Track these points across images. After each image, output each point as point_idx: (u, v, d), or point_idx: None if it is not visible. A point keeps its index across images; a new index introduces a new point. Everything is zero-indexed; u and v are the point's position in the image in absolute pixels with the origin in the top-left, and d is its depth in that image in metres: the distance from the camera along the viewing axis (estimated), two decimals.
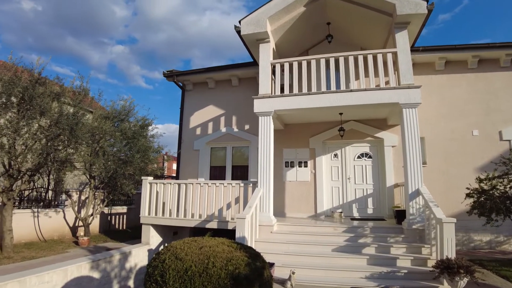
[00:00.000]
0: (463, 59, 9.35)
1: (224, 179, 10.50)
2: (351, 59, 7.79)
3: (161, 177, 19.04)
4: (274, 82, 8.49)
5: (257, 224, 7.29)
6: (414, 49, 8.83)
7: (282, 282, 5.50)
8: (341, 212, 9.37)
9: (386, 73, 7.79)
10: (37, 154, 8.08)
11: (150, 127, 11.49)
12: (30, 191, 10.23)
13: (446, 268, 4.86)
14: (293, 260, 6.38)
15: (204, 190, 8.28)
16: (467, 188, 6.71)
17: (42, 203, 10.29)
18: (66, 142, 8.46)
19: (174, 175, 12.09)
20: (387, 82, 7.87)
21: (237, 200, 8.12)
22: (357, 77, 8.14)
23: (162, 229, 9.17)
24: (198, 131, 11.48)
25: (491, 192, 6.42)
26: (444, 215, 5.66)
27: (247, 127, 10.82)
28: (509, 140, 8.83)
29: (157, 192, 8.93)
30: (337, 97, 7.60)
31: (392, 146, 9.43)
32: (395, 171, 9.29)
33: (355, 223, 8.08)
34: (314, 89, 7.84)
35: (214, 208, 8.11)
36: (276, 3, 8.22)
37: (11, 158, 7.71)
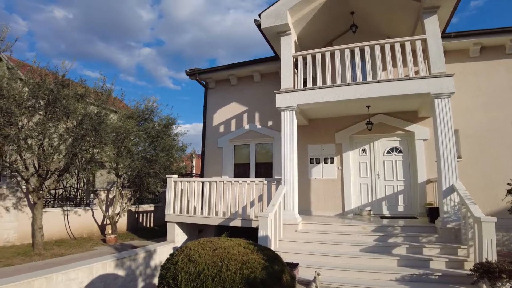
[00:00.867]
0: (500, 43, 8.66)
1: (248, 177, 10.33)
2: (377, 49, 7.38)
3: (190, 175, 19.20)
4: (297, 76, 8.22)
5: (281, 222, 7.07)
6: (445, 36, 8.27)
7: (307, 283, 5.26)
8: (370, 210, 8.98)
9: (415, 63, 7.33)
10: (64, 154, 8.30)
11: (173, 126, 11.53)
12: (61, 190, 10.53)
13: (486, 272, 4.45)
14: (319, 261, 6.12)
15: (227, 187, 8.16)
16: (508, 184, 6.17)
17: (71, 202, 10.57)
18: (91, 142, 8.58)
19: None
20: (416, 72, 7.39)
21: (260, 198, 7.94)
22: (384, 67, 7.71)
23: (187, 227, 9.16)
24: (221, 128, 11.39)
25: None
26: (482, 213, 5.21)
27: (270, 123, 10.60)
28: None
29: (181, 190, 8.92)
30: (363, 88, 7.22)
31: (424, 140, 8.91)
32: (427, 166, 8.78)
33: (385, 221, 7.69)
34: (338, 81, 7.49)
35: (237, 206, 7.98)
36: None
37: (39, 159, 7.90)
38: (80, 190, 11.29)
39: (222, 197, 8.18)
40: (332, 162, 9.69)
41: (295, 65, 8.24)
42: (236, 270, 3.19)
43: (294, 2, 7.84)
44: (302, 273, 5.64)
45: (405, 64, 7.52)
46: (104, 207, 10.59)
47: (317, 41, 9.49)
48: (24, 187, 8.67)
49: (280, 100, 7.86)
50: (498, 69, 8.67)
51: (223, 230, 8.46)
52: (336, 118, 9.71)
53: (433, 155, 8.47)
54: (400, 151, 9.35)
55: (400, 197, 9.14)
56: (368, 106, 8.38)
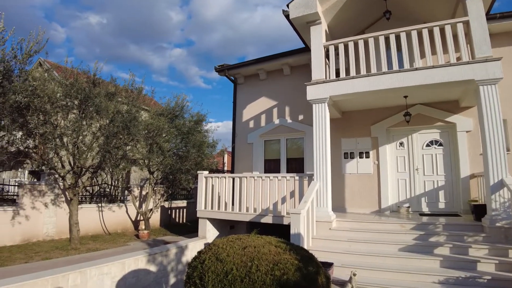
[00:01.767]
0: None
1: (279, 172, 10.11)
2: (414, 34, 6.90)
3: (221, 171, 19.27)
4: (329, 67, 7.87)
5: (314, 220, 6.81)
6: (489, 17, 7.58)
7: (342, 284, 4.99)
8: (409, 207, 8.50)
9: (456, 48, 6.77)
10: (97, 152, 8.48)
11: (204, 122, 11.53)
12: (96, 187, 10.84)
13: None
14: (355, 260, 5.81)
15: (258, 183, 7.99)
16: None
17: (106, 199, 10.85)
18: (123, 139, 8.71)
19: None
20: (458, 58, 6.84)
21: (292, 194, 7.70)
22: (422, 54, 7.19)
23: (218, 223, 9.10)
24: (251, 124, 11.24)
25: None
26: None
27: (301, 117, 10.30)
28: None
29: (212, 186, 8.86)
30: (400, 77, 6.78)
31: (467, 132, 8.29)
32: (470, 159, 8.17)
33: (425, 219, 7.22)
34: (373, 70, 7.07)
35: (268, 202, 7.79)
36: None
37: (74, 156, 8.10)
38: (114, 187, 11.57)
39: (253, 193, 8.02)
40: (367, 157, 9.25)
41: (327, 56, 7.89)
42: (267, 271, 2.97)
43: None
44: (336, 273, 5.37)
45: (445, 50, 6.96)
46: (137, 204, 10.78)
47: (349, 30, 9.06)
48: (61, 184, 8.96)
49: (312, 92, 7.56)
50: None
51: (254, 226, 8.31)
52: (371, 110, 9.25)
53: (477, 148, 7.87)
54: (441, 144, 8.77)
55: (441, 193, 8.58)
56: (405, 96, 7.89)
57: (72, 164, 8.31)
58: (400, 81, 6.76)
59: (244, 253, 3.23)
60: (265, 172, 10.52)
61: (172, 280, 7.33)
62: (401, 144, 9.15)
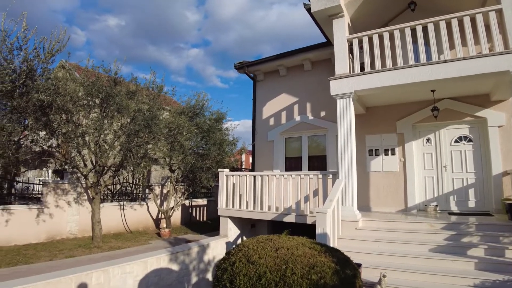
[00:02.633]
0: None
1: (300, 170, 9.90)
2: (442, 25, 6.57)
3: (239, 169, 19.21)
4: (352, 61, 7.62)
5: (339, 219, 6.61)
6: None
7: (371, 285, 4.79)
8: (436, 205, 8.16)
9: (488, 39, 6.42)
10: (118, 150, 8.52)
11: (224, 120, 11.44)
12: (117, 186, 10.92)
13: None
14: (383, 261, 5.59)
15: (279, 182, 7.83)
16: None
17: (127, 197, 10.93)
18: (144, 138, 8.72)
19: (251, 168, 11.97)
20: (490, 49, 6.49)
21: (315, 193, 7.51)
22: (451, 46, 6.84)
23: (239, 222, 9.00)
24: (272, 121, 11.08)
25: None
26: None
27: (323, 113, 10.07)
28: None
29: (233, 184, 8.76)
30: (428, 70, 6.47)
31: (499, 127, 7.88)
32: (503, 156, 7.76)
33: (454, 218, 6.90)
34: (399, 64, 6.78)
35: (291, 201, 7.61)
36: None
37: (96, 155, 8.15)
38: (135, 185, 11.65)
39: (275, 192, 7.87)
40: (393, 154, 8.94)
41: (350, 50, 7.64)
42: (303, 274, 2.80)
43: None
44: (365, 274, 5.17)
45: (476, 41, 6.60)
46: (158, 202, 10.81)
47: (372, 23, 8.75)
48: (83, 182, 9.05)
49: (335, 87, 7.33)
50: None
51: (276, 225, 8.19)
52: (397, 105, 8.91)
53: (510, 144, 7.49)
54: (470, 140, 8.39)
55: (471, 191, 8.20)
56: (433, 91, 7.56)
57: (94, 162, 8.37)
58: (428, 74, 6.46)
59: (277, 255, 3.07)
60: (286, 170, 10.34)
61: (194, 279, 7.27)
62: (428, 140, 8.80)
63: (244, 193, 8.46)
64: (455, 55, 6.43)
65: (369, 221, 6.90)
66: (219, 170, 9.07)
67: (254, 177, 8.38)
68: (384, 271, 4.71)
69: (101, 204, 8.71)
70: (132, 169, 10.98)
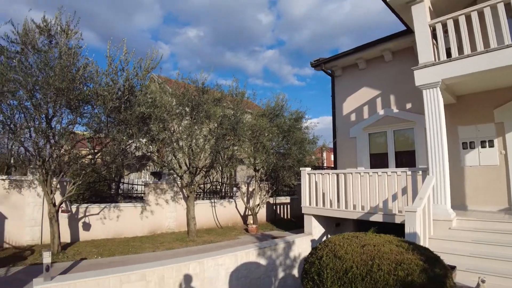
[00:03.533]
0: None
1: (387, 167, 9.48)
2: None
3: (321, 167, 19.08)
4: (437, 48, 7.07)
5: (430, 218, 6.25)
6: None
7: None
8: None
9: None
10: (209, 153, 9.23)
11: (303, 119, 11.54)
12: (208, 185, 11.79)
13: None
14: (481, 265, 5.15)
15: (364, 180, 7.66)
16: None
17: (217, 195, 11.73)
18: (231, 140, 9.32)
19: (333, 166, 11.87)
20: None
21: (404, 191, 7.17)
22: None
23: (323, 220, 9.04)
24: (353, 117, 10.84)
25: None
26: None
27: (409, 106, 9.53)
28: None
29: (316, 183, 8.84)
30: None
31: None
32: None
33: None
34: (493, 45, 6.08)
35: (377, 199, 7.40)
36: None
37: (189, 158, 8.94)
38: (224, 184, 12.43)
39: (360, 190, 7.72)
40: (491, 146, 8.07)
41: (433, 35, 7.08)
42: (390, 270, 2.82)
43: None
44: (460, 278, 4.84)
45: None
46: (245, 199, 11.39)
47: (456, 4, 7.91)
48: (179, 182, 9.96)
49: (420, 77, 6.90)
50: None
51: (362, 224, 8.02)
52: (493, 91, 7.93)
53: None
54: None
55: None
56: None
57: (188, 164, 9.16)
58: None
59: (363, 251, 3.14)
60: (371, 167, 10.02)
61: (280, 274, 7.54)
62: None
63: (327, 192, 8.47)
64: None
65: (464, 221, 6.38)
66: (300, 168, 9.22)
67: (337, 175, 8.33)
68: (483, 276, 4.36)
69: (195, 202, 9.49)
70: (220, 169, 11.79)
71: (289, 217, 13.40)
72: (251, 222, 10.45)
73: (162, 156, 9.84)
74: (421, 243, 5.41)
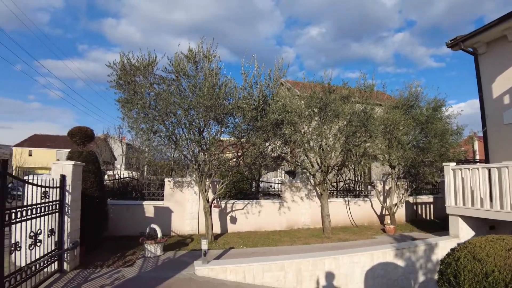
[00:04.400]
0: None
1: None
2: None
3: (471, 161, 16.82)
4: None
5: None
6: None
7: None
8: None
9: None
10: (339, 151, 9.37)
11: (443, 108, 10.50)
12: (341, 183, 11.87)
13: None
14: None
15: None
16: None
17: (351, 193, 11.70)
18: (361, 137, 9.24)
19: None
20: None
21: None
22: None
23: (473, 222, 8.09)
24: (506, 99, 9.25)
25: None
26: None
27: None
28: None
29: (462, 179, 7.99)
30: None
31: None
32: None
33: None
34: None
35: None
36: None
37: (320, 157, 9.26)
38: (357, 182, 12.30)
39: None
40: None
41: None
42: None
43: None
44: None
45: None
46: (381, 198, 11.04)
47: None
48: (312, 181, 10.38)
49: None
50: None
51: None
52: None
53: None
54: None
55: None
56: None
57: (319, 163, 9.50)
58: None
59: (509, 256, 2.89)
60: None
61: (421, 278, 7.15)
62: None
63: (476, 189, 7.56)
64: None
65: None
66: (443, 164, 8.47)
67: (489, 170, 7.35)
68: None
69: (328, 200, 9.75)
70: (353, 167, 11.74)
71: (432, 217, 12.34)
72: (388, 222, 10.09)
73: (295, 156, 10.43)
74: None
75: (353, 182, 12.25)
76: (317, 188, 10.05)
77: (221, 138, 8.84)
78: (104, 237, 7.78)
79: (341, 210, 10.91)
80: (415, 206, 12.18)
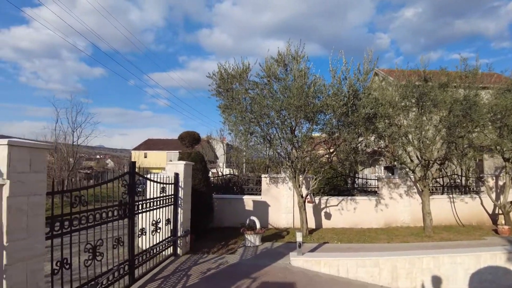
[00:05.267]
0: None
1: None
2: None
3: None
4: None
5: None
6: None
7: None
8: None
9: None
10: (441, 144, 8.78)
11: None
12: (446, 178, 11.00)
13: None
14: None
15: None
16: None
17: (457, 190, 10.78)
18: (466, 127, 8.46)
19: None
20: None
21: None
22: None
23: None
24: None
25: None
26: None
27: None
28: None
29: None
30: None
31: None
32: None
33: None
34: None
35: None
36: None
37: (420, 151, 8.79)
38: (464, 177, 11.26)
39: None
40: None
41: None
42: None
43: None
44: None
45: None
46: (493, 195, 9.97)
47: None
48: (411, 176, 9.89)
49: None
50: None
51: None
52: None
53: None
54: None
55: None
56: None
57: (419, 157, 9.03)
58: None
59: None
60: None
61: None
62: None
63: None
64: None
65: None
66: None
67: None
68: None
69: (430, 197, 9.20)
70: (459, 160, 10.78)
71: None
72: (502, 222, 9.09)
73: (392, 151, 10.06)
74: None
75: (459, 177, 11.25)
76: (418, 184, 9.55)
77: (313, 135, 9.09)
78: (210, 228, 8.79)
79: (445, 208, 10.14)
80: None
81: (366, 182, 13.33)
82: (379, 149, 10.02)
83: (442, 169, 10.14)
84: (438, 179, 10.79)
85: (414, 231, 9.04)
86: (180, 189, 6.85)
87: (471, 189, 11.00)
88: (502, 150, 9.20)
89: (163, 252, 6.33)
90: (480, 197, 10.35)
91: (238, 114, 8.30)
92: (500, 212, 9.51)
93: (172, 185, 6.67)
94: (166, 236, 6.37)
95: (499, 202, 9.67)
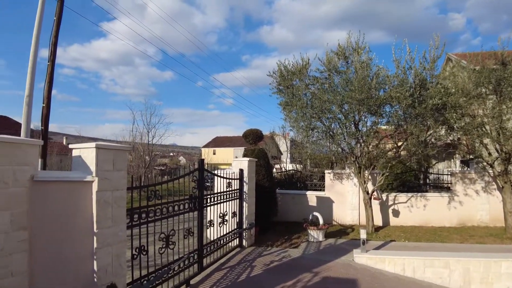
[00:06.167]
0: None
1: None
2: None
3: None
4: None
5: None
6: None
7: None
8: None
9: None
10: None
11: None
12: None
13: None
14: None
15: None
16: None
17: None
18: None
19: None
20: None
21: None
22: None
23: None
24: None
25: None
26: None
27: None
28: None
29: None
30: None
31: None
32: None
33: None
34: None
35: None
36: None
37: (499, 143, 8.00)
38: None
39: None
40: None
41: None
42: None
43: None
44: None
45: None
46: None
47: None
48: (490, 171, 9.03)
49: None
50: None
51: None
52: None
53: None
54: None
55: None
56: None
57: (498, 150, 8.23)
58: None
59: None
60: None
61: None
62: None
63: None
64: None
65: None
66: None
67: None
68: None
69: None
70: None
71: None
72: None
73: (467, 143, 9.28)
74: None
75: None
76: (497, 180, 8.70)
77: (378, 128, 8.81)
78: (273, 222, 9.00)
79: None
80: None
81: (438, 178, 12.48)
82: (453, 142, 9.30)
83: None
84: None
85: (493, 232, 8.25)
86: (244, 184, 7.19)
87: None
88: None
89: (230, 244, 6.71)
90: None
91: (298, 110, 8.37)
92: None
93: (238, 180, 7.05)
94: (232, 228, 6.73)
95: None
